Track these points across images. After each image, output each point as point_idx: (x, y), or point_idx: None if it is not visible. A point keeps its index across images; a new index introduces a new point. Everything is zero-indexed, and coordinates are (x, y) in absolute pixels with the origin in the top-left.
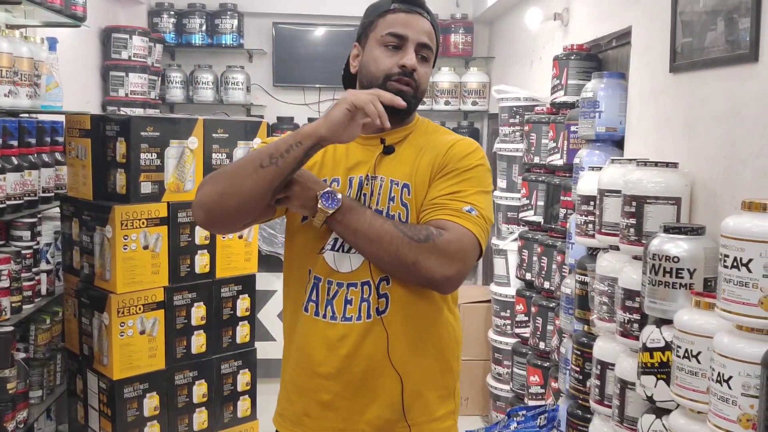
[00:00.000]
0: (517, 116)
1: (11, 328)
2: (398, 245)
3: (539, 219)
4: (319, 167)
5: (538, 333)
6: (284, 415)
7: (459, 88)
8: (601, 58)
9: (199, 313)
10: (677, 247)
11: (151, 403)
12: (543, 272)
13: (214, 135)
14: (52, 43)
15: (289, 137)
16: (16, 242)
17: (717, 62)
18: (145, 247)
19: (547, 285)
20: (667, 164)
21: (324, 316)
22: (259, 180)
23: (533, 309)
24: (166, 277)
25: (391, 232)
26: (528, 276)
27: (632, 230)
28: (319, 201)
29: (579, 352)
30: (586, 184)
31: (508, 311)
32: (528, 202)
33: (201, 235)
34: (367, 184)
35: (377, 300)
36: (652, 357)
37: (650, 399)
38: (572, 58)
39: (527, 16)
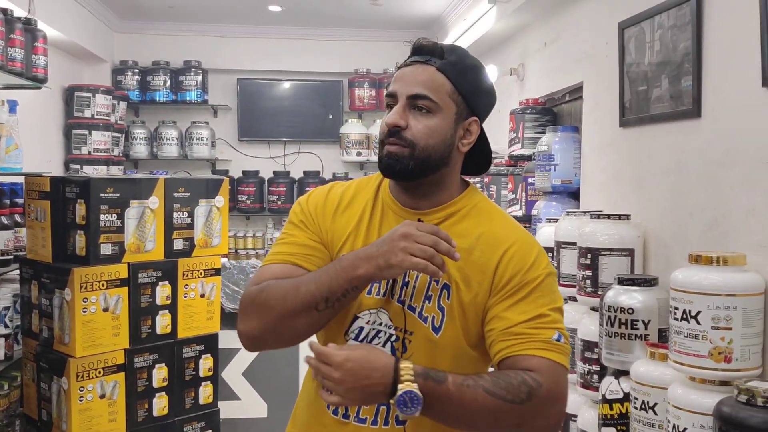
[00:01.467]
0: None
1: None
2: (498, 415)
3: None
4: (343, 228)
5: None
6: None
7: None
8: (555, 111)
9: (160, 374)
10: (631, 298)
11: None
12: None
13: (175, 194)
14: (13, 106)
15: (342, 276)
16: None
17: (663, 117)
18: (105, 309)
19: None
20: (619, 216)
21: (335, 412)
22: (315, 322)
23: None
24: (126, 339)
25: (487, 405)
26: None
27: (588, 281)
28: (395, 405)
29: None
30: (544, 235)
31: None
32: None
33: (162, 295)
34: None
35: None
36: (611, 408)
37: None
38: (528, 111)
39: None
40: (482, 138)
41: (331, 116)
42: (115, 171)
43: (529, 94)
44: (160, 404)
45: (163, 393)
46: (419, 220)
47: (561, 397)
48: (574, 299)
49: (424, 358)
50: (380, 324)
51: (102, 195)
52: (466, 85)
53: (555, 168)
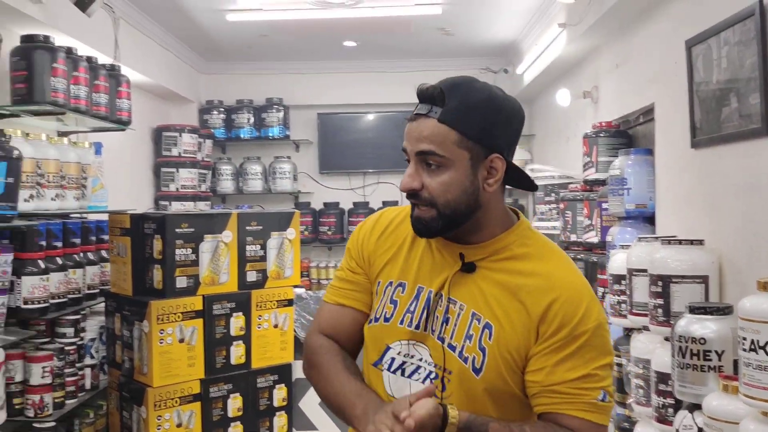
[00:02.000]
0: (553, 194)
1: (53, 424)
2: None
3: None
4: (385, 257)
5: None
6: None
7: None
8: (630, 134)
9: (235, 404)
10: (704, 327)
11: None
12: None
13: (247, 228)
14: (98, 148)
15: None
16: (60, 339)
17: (733, 137)
18: (181, 341)
19: None
20: (691, 242)
21: None
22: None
23: None
24: (202, 370)
25: None
26: None
27: (660, 310)
28: None
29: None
30: (617, 262)
31: None
32: None
33: (236, 326)
34: (439, 306)
35: None
36: None
37: None
38: (601, 135)
39: (558, 95)
40: (512, 167)
41: None
42: (202, 206)
43: (603, 117)
44: None
45: (238, 423)
46: (460, 254)
47: None
48: (647, 329)
49: (463, 398)
50: (420, 359)
51: (177, 230)
52: (474, 127)
53: (628, 192)
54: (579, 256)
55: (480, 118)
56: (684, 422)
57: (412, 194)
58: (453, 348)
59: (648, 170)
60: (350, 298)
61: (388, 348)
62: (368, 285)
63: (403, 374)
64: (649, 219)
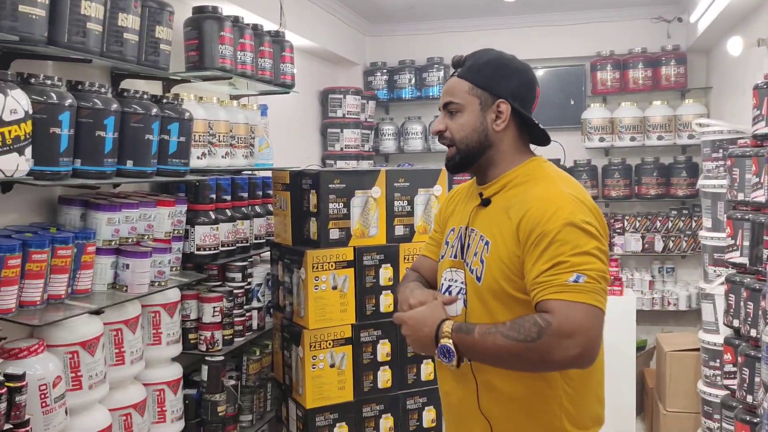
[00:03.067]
0: (720, 150)
1: (222, 358)
2: (518, 354)
3: (745, 260)
4: (450, 213)
5: (745, 385)
6: None
7: (673, 121)
8: None
9: (384, 349)
10: None
11: None
12: (749, 319)
13: (395, 184)
14: (264, 110)
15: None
16: (230, 283)
17: None
18: (334, 288)
19: (753, 333)
20: None
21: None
22: None
23: (740, 359)
24: (353, 315)
25: (505, 346)
26: (735, 323)
27: None
28: (439, 358)
29: None
30: None
31: (717, 361)
32: (733, 242)
33: (385, 276)
34: (466, 236)
35: None
36: None
37: None
38: None
39: (729, 44)
40: (520, 114)
41: (572, 102)
42: (366, 165)
43: None
44: (384, 377)
45: (387, 367)
46: (480, 194)
47: (573, 331)
48: None
49: (477, 303)
50: (457, 281)
51: (330, 186)
52: (482, 78)
53: None
54: (747, 216)
55: (488, 71)
56: None
57: (440, 136)
58: (468, 265)
59: None
60: (430, 251)
61: (443, 277)
62: (443, 239)
63: (448, 293)
64: None
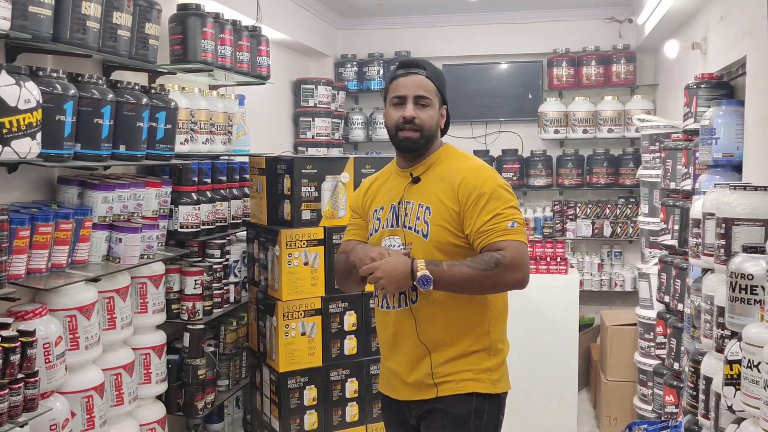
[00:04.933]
0: (657, 143)
1: (202, 326)
2: (480, 279)
3: (675, 243)
4: (371, 199)
5: (673, 354)
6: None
7: (623, 115)
8: (732, 85)
9: (350, 320)
10: (755, 265)
11: (310, 394)
12: (677, 295)
13: (362, 170)
14: (241, 99)
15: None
16: (209, 258)
17: None
18: (306, 264)
19: (680, 307)
20: (756, 188)
21: (382, 306)
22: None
23: (669, 330)
24: (322, 289)
25: (471, 274)
26: (666, 298)
27: (722, 251)
28: (418, 287)
29: (693, 369)
30: (696, 207)
31: (651, 333)
32: (666, 226)
33: None
34: (401, 208)
35: (411, 293)
36: (731, 369)
37: (730, 409)
38: (702, 86)
39: (666, 47)
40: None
41: (530, 96)
42: (335, 152)
43: (710, 69)
44: (350, 345)
45: (353, 336)
46: (411, 174)
47: (521, 260)
48: (713, 271)
49: (422, 255)
50: (396, 245)
51: (303, 171)
52: (441, 84)
53: (716, 142)
54: (678, 203)
55: (441, 79)
56: (732, 349)
57: (410, 121)
58: (411, 228)
59: (738, 120)
60: (356, 235)
61: (383, 243)
62: (364, 223)
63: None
64: (737, 168)
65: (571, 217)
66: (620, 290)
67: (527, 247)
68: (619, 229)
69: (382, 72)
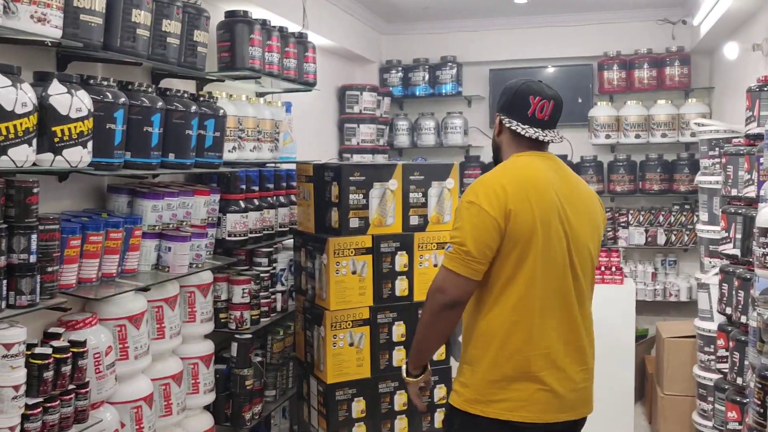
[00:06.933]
0: (717, 149)
1: (250, 336)
2: (422, 319)
3: (738, 252)
4: None
5: (736, 368)
6: None
7: (677, 120)
8: None
9: (399, 330)
10: None
11: (359, 406)
12: (740, 306)
13: (411, 177)
14: (288, 107)
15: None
16: (257, 267)
17: None
18: (354, 273)
19: (743, 319)
20: None
21: None
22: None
23: (731, 343)
24: (371, 298)
25: (420, 320)
26: (728, 310)
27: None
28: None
29: (760, 386)
30: (764, 216)
31: (712, 346)
32: (727, 235)
33: (400, 263)
34: None
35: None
36: None
37: None
38: (765, 89)
39: (725, 49)
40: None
41: (580, 100)
42: (380, 159)
43: None
44: (399, 356)
45: (402, 347)
46: None
47: (442, 284)
48: None
49: None
50: None
51: (351, 178)
52: (499, 103)
53: None
54: (740, 211)
55: (499, 99)
56: None
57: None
58: None
59: None
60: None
61: None
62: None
63: None
64: None
65: (623, 224)
66: (675, 300)
67: (451, 274)
68: (673, 237)
69: (427, 77)
